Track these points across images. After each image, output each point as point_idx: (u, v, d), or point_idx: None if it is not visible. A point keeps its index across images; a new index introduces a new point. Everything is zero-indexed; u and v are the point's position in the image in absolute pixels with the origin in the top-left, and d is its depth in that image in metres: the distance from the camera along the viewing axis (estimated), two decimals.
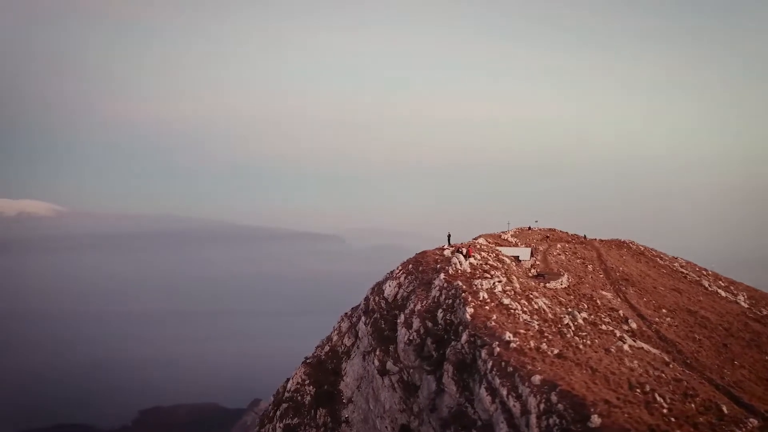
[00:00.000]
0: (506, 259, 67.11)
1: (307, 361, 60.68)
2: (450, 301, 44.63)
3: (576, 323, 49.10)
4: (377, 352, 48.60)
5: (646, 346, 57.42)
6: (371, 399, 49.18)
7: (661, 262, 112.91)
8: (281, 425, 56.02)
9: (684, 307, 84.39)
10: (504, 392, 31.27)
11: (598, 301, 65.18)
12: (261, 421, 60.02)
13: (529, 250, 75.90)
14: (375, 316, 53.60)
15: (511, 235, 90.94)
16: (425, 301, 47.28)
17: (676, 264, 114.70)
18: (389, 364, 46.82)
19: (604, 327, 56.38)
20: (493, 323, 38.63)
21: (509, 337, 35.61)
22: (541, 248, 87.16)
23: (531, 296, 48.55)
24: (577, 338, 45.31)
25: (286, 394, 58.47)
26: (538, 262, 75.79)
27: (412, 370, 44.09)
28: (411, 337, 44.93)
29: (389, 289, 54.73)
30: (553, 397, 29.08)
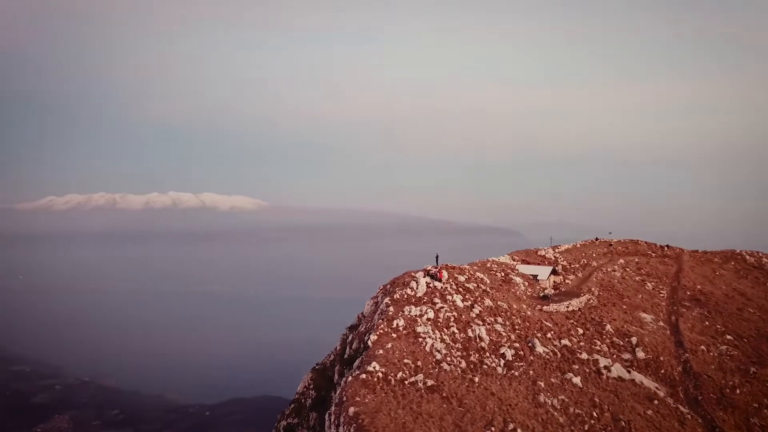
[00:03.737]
0: (517, 279, 66.80)
1: (316, 367, 66.96)
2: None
3: (521, 353, 48.97)
4: (337, 368, 53.48)
5: (638, 378, 54.51)
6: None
7: None
8: (285, 423, 63.26)
9: (766, 334, 74.64)
10: (333, 419, 34.93)
11: (608, 326, 61.76)
12: (279, 418, 67.73)
13: (549, 269, 72.88)
14: (354, 332, 58.16)
15: (564, 250, 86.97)
16: (369, 323, 50.95)
17: None
18: (342, 380, 51.47)
19: (584, 356, 54.44)
20: (381, 351, 41.58)
21: (374, 367, 38.54)
22: (594, 264, 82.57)
23: (476, 323, 49.59)
24: (499, 369, 45.72)
25: (295, 396, 65.56)
26: (568, 281, 72.96)
27: None
28: (347, 355, 49.17)
29: (367, 308, 58.82)
30: (352, 430, 32.20)
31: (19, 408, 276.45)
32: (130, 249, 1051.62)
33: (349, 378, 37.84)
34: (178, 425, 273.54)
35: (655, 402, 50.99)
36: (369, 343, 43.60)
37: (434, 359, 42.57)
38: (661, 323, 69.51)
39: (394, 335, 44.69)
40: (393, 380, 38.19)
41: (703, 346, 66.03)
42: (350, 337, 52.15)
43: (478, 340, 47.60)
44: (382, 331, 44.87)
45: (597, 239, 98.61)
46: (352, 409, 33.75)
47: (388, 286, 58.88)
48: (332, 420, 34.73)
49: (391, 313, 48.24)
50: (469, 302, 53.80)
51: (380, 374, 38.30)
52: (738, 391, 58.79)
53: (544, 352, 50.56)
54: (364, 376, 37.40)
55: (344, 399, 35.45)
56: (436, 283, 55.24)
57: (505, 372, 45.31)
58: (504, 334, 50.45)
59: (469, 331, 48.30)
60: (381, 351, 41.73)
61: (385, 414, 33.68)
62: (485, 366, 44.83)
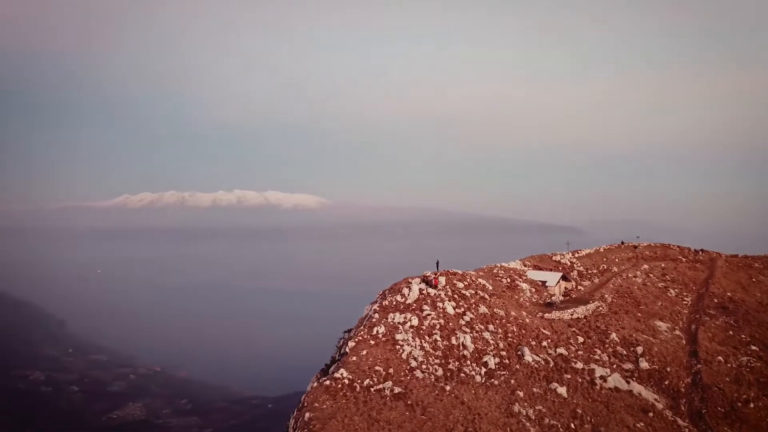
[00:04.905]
0: (524, 285, 66.60)
1: (324, 367, 69.06)
2: None
3: (506, 362, 49.10)
4: (330, 371, 55.29)
5: (637, 389, 53.54)
6: None
7: None
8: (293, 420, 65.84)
9: None
10: (293, 423, 36.75)
11: (614, 335, 60.47)
12: (291, 415, 70.43)
13: (558, 275, 71.54)
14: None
15: (584, 255, 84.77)
16: (357, 329, 52.32)
17: None
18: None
19: (579, 365, 53.79)
20: (355, 358, 42.98)
21: (341, 374, 40.05)
22: (615, 269, 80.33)
23: (462, 331, 50.15)
24: (478, 378, 46.10)
25: (303, 396, 68.00)
26: (581, 288, 71.61)
27: None
28: (335, 359, 50.84)
29: (365, 311, 60.09)
30: None
31: (98, 395, 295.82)
32: (198, 245, 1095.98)
33: (315, 384, 39.55)
34: (242, 416, 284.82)
35: (650, 414, 49.81)
36: (347, 349, 45.17)
37: (408, 366, 43.58)
38: (678, 332, 67.22)
39: (372, 342, 45.99)
40: (358, 387, 39.54)
41: (720, 357, 63.45)
42: (341, 342, 53.84)
43: (461, 348, 48.14)
44: (360, 337, 46.29)
45: (623, 243, 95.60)
46: (307, 415, 35.45)
47: (387, 291, 60.06)
48: (292, 424, 36.56)
49: (374, 319, 49.55)
50: (462, 309, 54.26)
51: (346, 381, 39.76)
52: (752, 405, 56.26)
53: (533, 360, 50.40)
54: (328, 382, 39.01)
55: (304, 404, 37.20)
56: (430, 290, 55.92)
57: (483, 381, 45.68)
58: (492, 342, 50.67)
59: (453, 338, 48.89)
60: (354, 358, 43.17)
61: (339, 420, 35.14)
62: (463, 374, 45.37)
